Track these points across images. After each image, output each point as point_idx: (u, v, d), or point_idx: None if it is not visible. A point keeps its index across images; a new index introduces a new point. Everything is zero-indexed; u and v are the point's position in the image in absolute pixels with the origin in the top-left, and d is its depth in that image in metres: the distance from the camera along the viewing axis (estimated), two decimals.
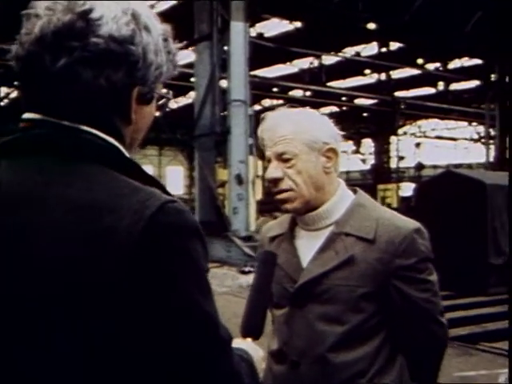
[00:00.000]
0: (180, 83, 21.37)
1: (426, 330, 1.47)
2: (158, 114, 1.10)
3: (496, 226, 9.74)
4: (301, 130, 1.47)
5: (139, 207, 0.83)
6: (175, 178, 42.13)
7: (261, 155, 15.06)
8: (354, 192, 1.56)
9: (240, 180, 13.43)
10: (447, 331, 1.52)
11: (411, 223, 1.46)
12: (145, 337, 0.82)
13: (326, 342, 1.41)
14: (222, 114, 14.12)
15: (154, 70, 0.94)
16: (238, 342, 1.08)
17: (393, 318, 1.45)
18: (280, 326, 1.52)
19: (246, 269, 11.20)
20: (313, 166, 1.47)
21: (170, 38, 0.98)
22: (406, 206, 26.38)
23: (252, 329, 1.21)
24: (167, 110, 33.64)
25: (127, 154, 0.94)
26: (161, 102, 1.04)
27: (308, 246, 1.51)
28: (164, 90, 1.03)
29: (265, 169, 1.63)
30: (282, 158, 1.46)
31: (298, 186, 1.46)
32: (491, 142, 21.97)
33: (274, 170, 1.47)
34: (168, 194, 0.88)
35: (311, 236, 1.52)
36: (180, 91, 26.97)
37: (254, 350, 1.08)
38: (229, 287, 10.28)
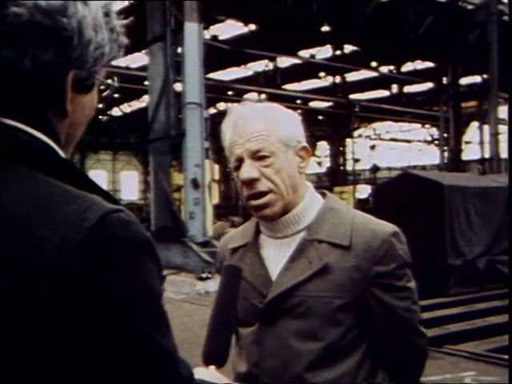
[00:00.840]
0: (133, 86, 21.35)
1: (407, 341, 1.38)
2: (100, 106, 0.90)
3: (454, 226, 9.77)
4: (276, 127, 1.35)
5: (76, 219, 0.69)
6: (130, 183, 41.91)
7: (217, 159, 14.91)
8: (323, 195, 1.45)
9: (196, 184, 13.24)
10: (427, 341, 1.44)
11: (388, 226, 1.36)
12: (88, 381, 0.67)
13: (303, 361, 1.30)
14: (176, 117, 13.85)
15: (94, 49, 0.79)
16: (200, 372, 0.99)
17: (372, 330, 1.35)
18: (248, 346, 1.38)
19: (204, 275, 11.01)
20: (290, 166, 1.36)
21: (113, 12, 0.83)
22: (362, 208, 26.80)
23: (215, 355, 1.10)
24: (120, 114, 33.79)
25: (63, 155, 0.79)
26: (105, 93, 0.88)
27: (276, 255, 1.39)
28: (109, 80, 0.87)
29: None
30: (257, 156, 1.33)
31: (277, 187, 1.33)
32: (445, 144, 22.25)
33: (250, 170, 1.32)
34: (114, 201, 0.73)
35: (279, 245, 1.39)
36: (133, 94, 26.71)
37: (218, 380, 1.01)
38: (186, 294, 10.09)
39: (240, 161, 1.35)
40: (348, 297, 1.30)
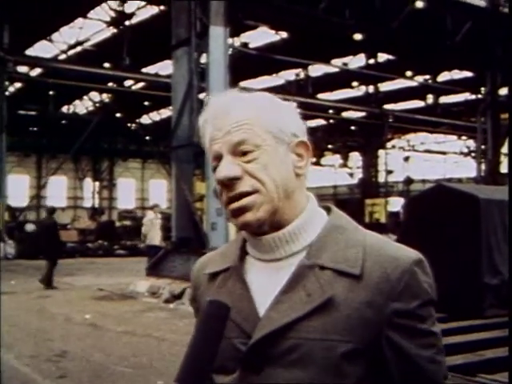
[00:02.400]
0: (163, 94, 21.04)
1: None
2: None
3: (491, 243, 9.34)
4: (263, 115, 1.14)
5: None
6: (158, 191, 42.27)
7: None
8: (327, 210, 1.22)
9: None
10: None
11: (409, 252, 1.13)
12: None
13: None
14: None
15: None
16: None
17: None
18: None
19: None
20: (281, 163, 1.14)
21: None
22: (394, 222, 26.64)
23: None
24: (149, 122, 34.31)
25: None
26: None
27: (266, 283, 1.16)
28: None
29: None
30: (238, 150, 1.13)
31: (264, 185, 1.11)
32: (482, 155, 21.83)
33: (229, 166, 1.12)
34: None
35: (269, 269, 1.17)
36: (163, 102, 26.44)
37: None
38: None
39: (219, 159, 1.14)
40: (357, 341, 1.09)
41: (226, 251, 1.25)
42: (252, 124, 1.13)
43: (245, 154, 1.12)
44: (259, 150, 1.12)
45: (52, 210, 15.57)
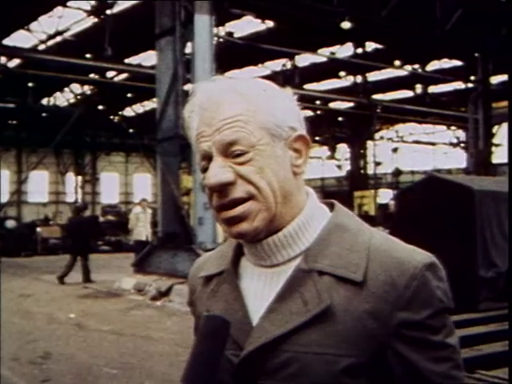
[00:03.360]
0: (146, 85, 20.81)
1: None
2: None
3: (486, 235, 9.43)
4: (258, 109, 1.04)
5: None
6: (143, 185, 42.08)
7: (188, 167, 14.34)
8: (330, 207, 1.12)
9: None
10: None
11: (419, 255, 1.02)
12: None
13: None
14: None
15: None
16: None
17: None
18: None
19: None
20: (279, 163, 1.05)
21: None
22: (383, 214, 26.77)
23: None
24: (133, 114, 34.13)
25: None
26: None
27: (260, 290, 1.08)
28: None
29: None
30: (230, 151, 1.03)
31: (260, 192, 1.02)
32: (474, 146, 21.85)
33: (221, 170, 1.02)
34: None
35: (265, 275, 1.08)
36: (146, 94, 26.39)
37: None
38: None
39: (208, 159, 1.04)
40: (359, 354, 1.00)
41: (223, 252, 1.19)
42: (245, 121, 1.04)
43: (238, 155, 1.04)
44: (254, 151, 1.04)
45: (83, 207, 16.52)
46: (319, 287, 1.04)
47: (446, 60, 24.33)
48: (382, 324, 1.01)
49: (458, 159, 33.42)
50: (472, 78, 21.92)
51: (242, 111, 1.05)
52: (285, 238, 1.07)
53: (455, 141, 35.33)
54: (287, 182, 1.06)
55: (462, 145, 31.35)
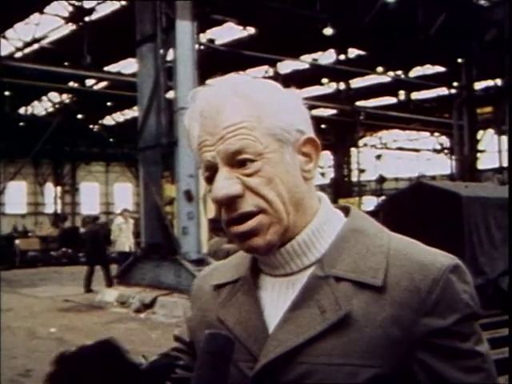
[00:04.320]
0: (126, 93, 20.60)
1: None
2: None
3: (473, 241, 9.50)
4: (264, 113, 1.01)
5: None
6: (124, 195, 41.76)
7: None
8: (346, 212, 1.10)
9: (190, 196, 12.65)
10: None
11: (443, 257, 1.00)
12: None
13: None
14: (168, 124, 13.27)
15: None
16: None
17: None
18: None
19: None
20: (288, 170, 1.02)
21: None
22: None
23: None
24: (113, 123, 33.89)
25: None
26: None
27: (276, 301, 1.05)
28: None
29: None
30: (236, 160, 1.00)
31: (270, 204, 1.00)
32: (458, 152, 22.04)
33: (228, 183, 1.00)
34: None
35: (281, 285, 1.06)
36: (126, 103, 26.11)
37: None
38: (178, 318, 9.72)
39: (212, 170, 1.02)
40: (382, 365, 0.96)
41: (236, 262, 1.17)
42: (250, 127, 1.01)
43: (244, 163, 1.01)
44: (261, 160, 1.01)
45: (96, 218, 17.72)
46: (337, 294, 1.00)
47: (428, 66, 24.54)
48: (406, 331, 0.97)
49: (442, 165, 33.80)
50: (455, 83, 22.09)
51: (246, 117, 1.01)
52: (299, 246, 1.04)
53: (439, 147, 35.64)
54: (298, 189, 1.03)
55: (446, 151, 31.60)
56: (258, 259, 1.10)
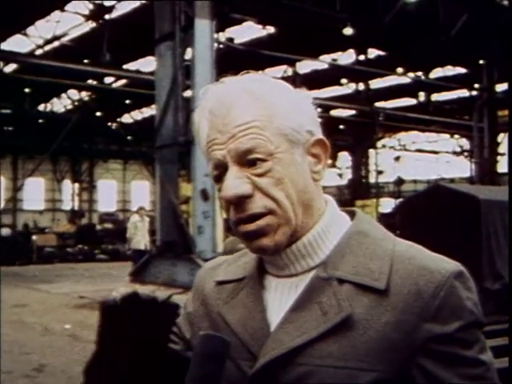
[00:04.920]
0: (145, 92, 20.65)
1: None
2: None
3: (492, 246, 9.37)
4: (274, 113, 1.01)
5: None
6: (140, 193, 41.89)
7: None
8: (352, 215, 1.10)
9: (205, 196, 12.60)
10: None
11: (447, 263, 1.00)
12: None
13: None
14: (186, 122, 13.19)
15: None
16: None
17: None
18: None
19: None
20: (298, 171, 1.03)
21: None
22: (385, 223, 26.68)
23: None
24: (131, 121, 34.03)
25: None
26: None
27: (279, 301, 1.06)
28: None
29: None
30: (246, 159, 1.00)
31: (279, 205, 1.00)
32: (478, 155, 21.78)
33: (238, 182, 1.00)
34: None
35: (284, 285, 1.06)
36: (145, 101, 26.25)
37: None
38: None
39: (222, 168, 1.02)
40: (382, 369, 0.96)
41: (242, 260, 1.18)
42: (262, 126, 1.01)
43: (254, 163, 1.01)
44: (272, 160, 1.01)
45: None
46: (339, 296, 1.00)
47: (449, 67, 24.35)
48: (407, 336, 0.96)
49: (461, 168, 33.51)
50: (476, 85, 21.89)
51: (258, 116, 1.01)
52: (304, 247, 1.05)
53: (459, 149, 35.42)
54: (307, 190, 1.04)
55: (466, 153, 31.28)
56: (264, 259, 1.11)
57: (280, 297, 1.07)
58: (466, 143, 33.19)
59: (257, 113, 1.01)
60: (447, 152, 37.21)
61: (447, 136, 35.26)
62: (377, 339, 0.97)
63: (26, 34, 21.93)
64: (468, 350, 0.97)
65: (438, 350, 0.97)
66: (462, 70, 23.86)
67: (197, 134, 1.07)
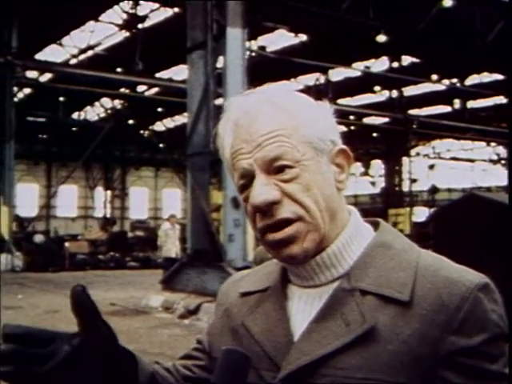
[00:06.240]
0: (177, 100, 20.73)
1: None
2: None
3: None
4: (298, 121, 1.02)
5: None
6: (172, 201, 42.05)
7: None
8: (375, 226, 1.09)
9: (236, 204, 12.59)
10: None
11: (472, 275, 0.99)
12: None
13: None
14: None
15: None
16: None
17: None
18: None
19: None
20: (325, 179, 1.03)
21: None
22: (418, 233, 26.25)
23: None
24: (163, 129, 34.29)
25: None
26: None
27: (302, 312, 1.06)
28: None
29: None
30: (274, 167, 1.01)
31: (308, 212, 1.01)
32: None
33: (266, 189, 1.01)
34: None
35: (308, 296, 1.07)
36: (177, 109, 26.27)
37: None
38: None
39: (248, 177, 1.02)
40: (405, 381, 0.96)
41: (265, 271, 1.18)
42: (287, 135, 1.02)
43: (281, 170, 1.02)
44: (299, 167, 1.02)
45: None
46: (362, 307, 1.01)
47: (486, 74, 24.02)
48: (431, 348, 0.96)
49: (498, 176, 33.04)
50: None
51: (283, 125, 1.02)
52: (328, 257, 1.05)
53: (495, 157, 34.90)
54: (333, 199, 1.04)
55: (503, 162, 30.73)
56: (288, 270, 1.11)
57: (303, 307, 1.08)
58: (503, 151, 32.63)
59: (281, 122, 1.02)
60: (483, 160, 36.83)
61: (483, 144, 34.89)
62: (400, 351, 0.97)
63: (60, 44, 22.34)
64: (493, 364, 0.96)
65: (462, 363, 0.96)
66: (498, 77, 23.51)
67: (220, 146, 1.07)
